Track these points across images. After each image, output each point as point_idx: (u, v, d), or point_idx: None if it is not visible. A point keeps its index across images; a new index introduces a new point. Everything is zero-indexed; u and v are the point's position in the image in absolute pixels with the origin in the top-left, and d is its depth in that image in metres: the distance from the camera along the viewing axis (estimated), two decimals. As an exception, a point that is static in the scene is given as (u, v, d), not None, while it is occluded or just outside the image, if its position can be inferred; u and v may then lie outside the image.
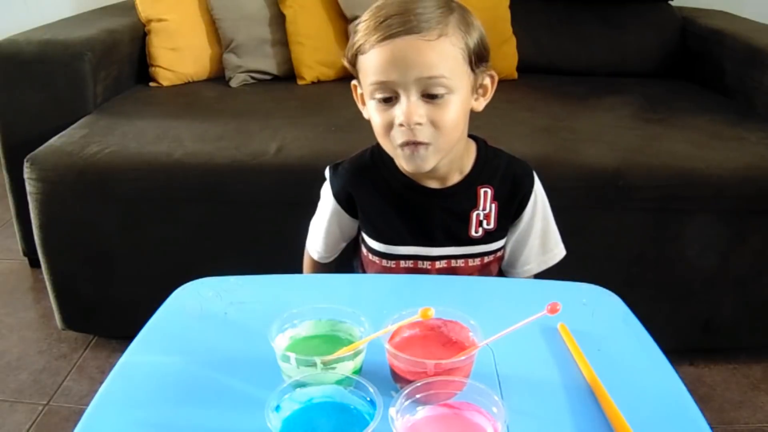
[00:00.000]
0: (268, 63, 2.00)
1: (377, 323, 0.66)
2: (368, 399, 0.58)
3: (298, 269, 1.14)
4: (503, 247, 1.01)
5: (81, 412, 0.61)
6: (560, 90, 1.92)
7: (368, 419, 0.56)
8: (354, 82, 0.95)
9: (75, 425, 0.60)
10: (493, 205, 0.96)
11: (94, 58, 1.69)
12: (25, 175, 1.43)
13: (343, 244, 1.07)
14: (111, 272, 1.51)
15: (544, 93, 1.90)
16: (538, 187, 1.00)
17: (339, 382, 0.60)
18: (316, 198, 1.05)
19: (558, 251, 1.03)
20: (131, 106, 1.77)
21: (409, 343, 0.68)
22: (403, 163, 0.89)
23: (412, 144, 0.85)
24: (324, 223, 1.03)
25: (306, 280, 0.91)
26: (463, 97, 0.87)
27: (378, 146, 0.94)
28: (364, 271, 1.06)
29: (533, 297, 0.72)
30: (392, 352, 0.63)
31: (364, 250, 1.03)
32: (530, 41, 2.07)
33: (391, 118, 0.85)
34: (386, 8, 0.84)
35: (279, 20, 1.98)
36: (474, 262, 0.98)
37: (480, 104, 0.92)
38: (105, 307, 1.55)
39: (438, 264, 0.97)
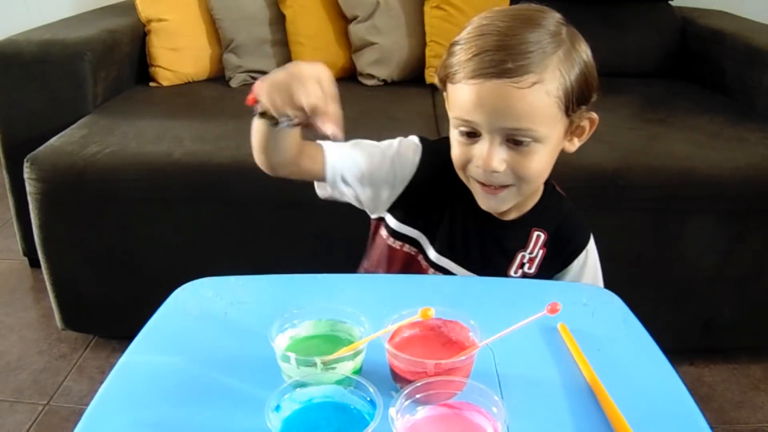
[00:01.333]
0: (268, 63, 2.00)
1: (377, 323, 0.66)
2: (368, 399, 0.58)
3: (299, 269, 1.14)
4: None
5: (81, 412, 0.61)
6: (560, 90, 1.92)
7: (368, 419, 0.56)
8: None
9: (75, 425, 0.60)
10: (541, 251, 0.92)
11: (94, 58, 1.69)
12: (25, 175, 1.43)
13: (347, 189, 0.91)
14: (111, 272, 1.51)
15: (544, 93, 1.90)
16: (591, 246, 0.96)
17: (339, 382, 0.60)
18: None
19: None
20: (131, 106, 1.77)
21: (409, 343, 0.68)
22: (477, 197, 0.86)
23: (488, 186, 0.82)
24: (379, 150, 0.90)
25: (306, 280, 0.91)
26: (552, 145, 0.82)
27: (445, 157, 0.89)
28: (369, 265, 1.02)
29: (533, 297, 0.72)
30: (392, 352, 0.63)
31: (383, 230, 0.96)
32: (530, 41, 2.07)
33: (470, 155, 0.81)
34: (485, 37, 0.78)
35: (279, 20, 1.98)
36: None
37: (573, 146, 0.88)
38: (105, 307, 1.55)
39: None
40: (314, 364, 0.62)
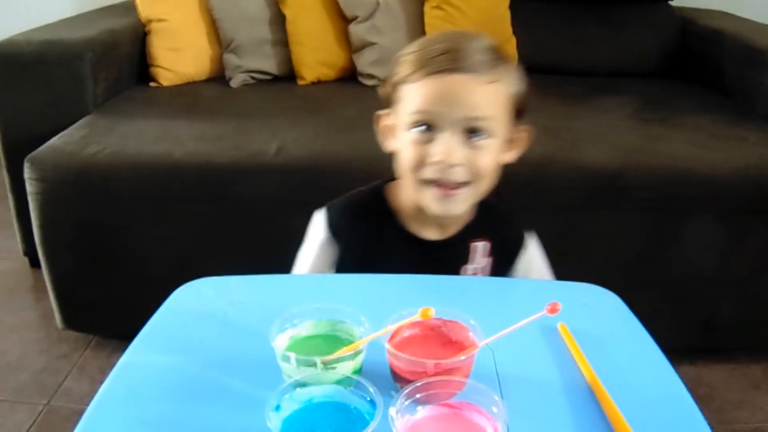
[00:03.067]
0: (268, 63, 2.00)
1: (377, 323, 0.66)
2: (368, 399, 0.58)
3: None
4: None
5: (81, 412, 0.61)
6: (560, 90, 1.92)
7: (368, 419, 0.56)
8: (380, 111, 0.91)
9: (75, 425, 0.60)
10: (488, 260, 0.93)
11: (94, 58, 1.69)
12: (25, 175, 1.43)
13: None
14: (111, 272, 1.51)
15: (544, 93, 1.90)
16: (533, 247, 0.97)
17: (339, 382, 0.60)
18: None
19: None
20: (131, 106, 1.77)
21: (409, 343, 0.68)
22: (429, 203, 0.85)
23: (444, 187, 0.83)
24: (310, 261, 0.96)
25: (306, 280, 0.91)
26: (499, 145, 0.85)
27: (379, 189, 0.93)
28: None
29: (533, 297, 0.72)
30: (392, 352, 0.63)
31: None
32: (530, 41, 2.07)
33: (426, 153, 0.82)
34: (438, 43, 0.83)
35: (279, 20, 1.98)
36: None
37: (509, 156, 0.90)
38: (105, 307, 1.55)
39: None
40: (314, 364, 0.62)
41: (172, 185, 1.42)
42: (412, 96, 0.83)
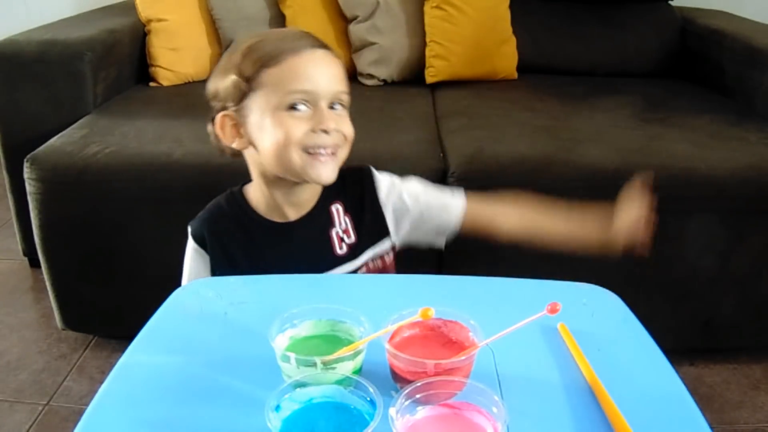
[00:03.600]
0: (268, 63, 2.00)
1: (377, 323, 0.66)
2: (368, 399, 0.58)
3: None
4: (377, 258, 1.00)
5: (81, 412, 0.61)
6: (560, 90, 1.92)
7: (368, 419, 0.56)
8: (225, 112, 0.93)
9: (75, 425, 0.60)
10: (347, 219, 0.97)
11: (94, 58, 1.69)
12: (25, 175, 1.43)
13: None
14: (111, 272, 1.51)
15: (544, 93, 1.90)
16: (382, 178, 1.00)
17: (339, 382, 0.60)
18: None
19: (456, 199, 1.02)
20: (131, 106, 1.77)
21: (409, 343, 0.68)
22: (313, 171, 0.89)
23: (327, 154, 0.88)
24: (192, 274, 1.00)
25: (306, 280, 0.91)
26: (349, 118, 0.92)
27: (236, 192, 0.98)
28: None
29: (533, 297, 0.72)
30: (392, 352, 0.63)
31: None
32: (530, 41, 2.07)
33: (304, 126, 0.86)
34: (278, 34, 0.92)
35: (279, 20, 1.98)
36: None
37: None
38: (105, 307, 1.55)
39: None
40: (314, 364, 0.62)
41: (172, 185, 1.42)
42: (285, 75, 0.86)
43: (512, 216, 1.03)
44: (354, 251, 0.97)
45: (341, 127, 0.89)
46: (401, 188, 1.01)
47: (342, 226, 0.97)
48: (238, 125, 0.92)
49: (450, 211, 1.01)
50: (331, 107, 0.89)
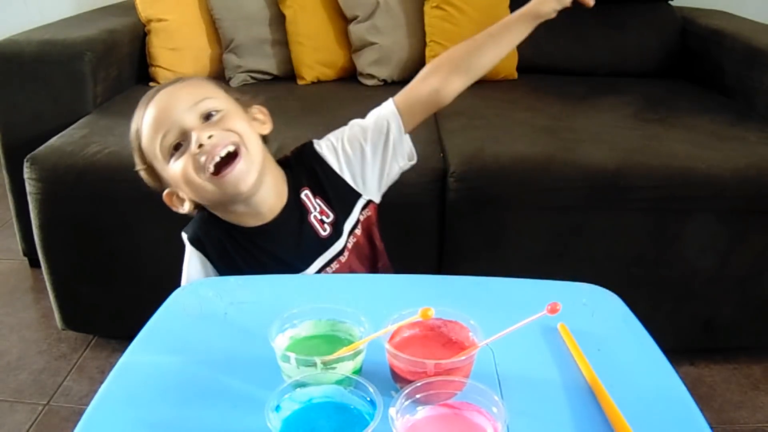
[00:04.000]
0: (268, 63, 2.00)
1: (377, 323, 0.66)
2: (368, 399, 0.58)
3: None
4: (358, 223, 1.00)
5: (81, 412, 0.61)
6: (560, 90, 1.92)
7: (368, 419, 0.56)
8: (165, 192, 0.95)
9: (75, 425, 0.60)
10: (318, 200, 0.98)
11: (94, 58, 1.69)
12: (25, 175, 1.43)
13: None
14: (111, 272, 1.51)
15: (544, 93, 1.90)
16: (323, 145, 1.00)
17: (339, 382, 0.60)
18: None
19: (384, 106, 1.02)
20: (131, 106, 1.75)
21: (409, 343, 0.68)
22: (229, 191, 0.88)
23: (222, 166, 0.87)
24: (192, 279, 1.00)
25: (306, 280, 0.91)
26: (241, 117, 0.91)
27: (202, 215, 0.97)
28: None
29: (533, 297, 0.72)
30: (392, 352, 0.63)
31: None
32: (530, 41, 2.05)
33: (189, 155, 0.87)
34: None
35: (279, 20, 1.98)
36: (344, 257, 0.98)
37: (265, 129, 0.97)
38: (105, 307, 1.55)
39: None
40: (314, 364, 0.62)
41: (172, 185, 1.41)
42: (148, 139, 0.90)
43: (442, 69, 1.02)
44: (336, 228, 0.98)
45: (223, 126, 0.88)
46: (341, 143, 1.00)
47: (317, 209, 0.97)
48: (175, 193, 0.95)
49: (386, 118, 1.00)
50: (206, 117, 0.88)
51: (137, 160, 0.95)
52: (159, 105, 0.90)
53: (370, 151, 0.99)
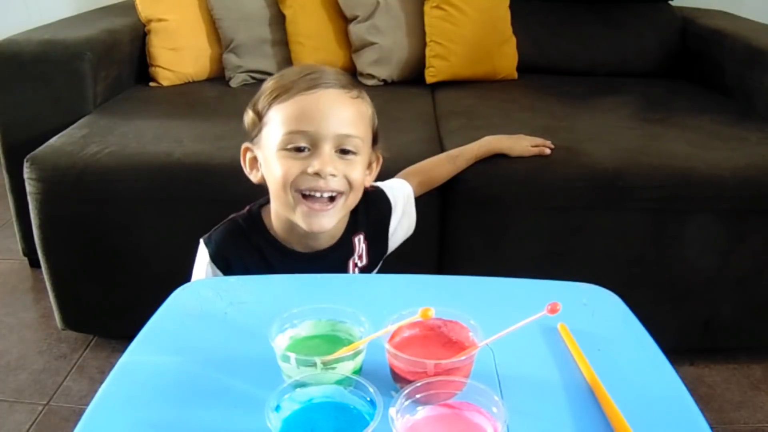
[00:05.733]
0: (268, 63, 2.00)
1: (377, 323, 0.66)
2: (368, 399, 0.58)
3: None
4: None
5: (81, 412, 0.61)
6: (560, 90, 1.92)
7: (368, 419, 0.56)
8: (246, 144, 0.94)
9: (75, 425, 0.60)
10: (364, 246, 0.99)
11: (94, 58, 1.69)
12: (25, 175, 1.43)
13: None
14: (111, 272, 1.51)
15: (544, 93, 1.90)
16: (395, 205, 1.04)
17: (339, 382, 0.60)
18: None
19: (409, 201, 1.10)
20: (131, 106, 1.77)
21: (409, 343, 0.68)
22: (300, 220, 0.88)
23: (315, 202, 0.86)
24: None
25: (306, 280, 0.91)
26: (364, 164, 0.90)
27: (256, 212, 0.96)
28: None
29: (533, 297, 0.72)
30: (392, 352, 0.63)
31: None
32: (530, 41, 2.07)
33: (301, 166, 0.85)
34: (299, 69, 0.88)
35: (279, 20, 1.98)
36: None
37: (368, 180, 0.95)
38: (105, 307, 1.55)
39: None
40: (314, 364, 0.62)
41: (172, 185, 1.42)
42: (286, 114, 0.85)
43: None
44: (363, 272, 0.99)
45: (347, 172, 0.86)
46: (404, 204, 1.04)
47: (358, 252, 0.97)
48: (256, 158, 0.92)
49: (408, 204, 1.09)
50: (342, 151, 0.86)
51: (256, 107, 0.90)
52: (323, 103, 0.85)
53: (405, 224, 1.07)
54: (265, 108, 0.87)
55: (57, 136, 1.52)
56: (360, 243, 0.97)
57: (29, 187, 1.44)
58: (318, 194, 0.86)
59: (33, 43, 1.66)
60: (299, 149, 0.85)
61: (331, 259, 0.95)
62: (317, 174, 0.84)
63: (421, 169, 1.19)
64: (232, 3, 1.96)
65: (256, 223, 0.95)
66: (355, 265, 0.98)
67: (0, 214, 2.23)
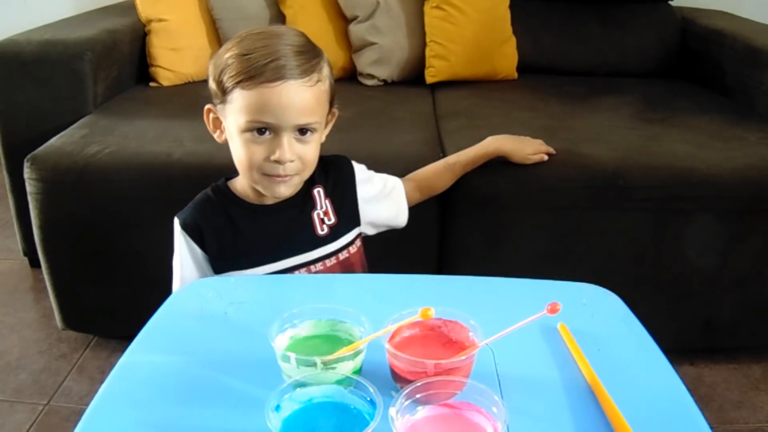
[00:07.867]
0: (268, 63, 2.00)
1: (377, 323, 0.66)
2: (368, 399, 0.58)
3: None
4: (353, 242, 1.06)
5: (81, 412, 0.61)
6: (560, 90, 1.92)
7: (368, 419, 0.56)
8: (209, 106, 0.98)
9: (75, 425, 0.60)
10: (327, 202, 1.03)
11: (94, 58, 1.69)
12: (25, 175, 1.43)
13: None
14: (111, 272, 1.51)
15: (544, 93, 1.90)
16: (359, 169, 1.08)
17: (339, 382, 0.60)
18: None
19: (396, 190, 1.14)
20: (131, 106, 1.77)
21: (409, 343, 0.68)
22: (263, 190, 0.96)
23: (283, 178, 0.93)
24: (182, 266, 1.03)
25: (306, 280, 0.91)
26: (320, 137, 0.97)
27: (221, 184, 1.02)
28: None
29: (533, 297, 0.72)
30: (392, 352, 0.63)
31: None
32: (530, 41, 2.07)
33: (263, 153, 0.91)
34: (258, 47, 0.88)
35: (279, 20, 1.98)
36: (330, 262, 1.02)
37: (323, 137, 1.00)
38: (105, 307, 1.55)
39: (298, 273, 1.01)
40: (314, 364, 0.62)
41: (172, 185, 1.41)
42: (247, 103, 0.89)
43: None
44: (334, 233, 1.02)
45: (303, 153, 0.92)
46: (372, 180, 1.09)
47: (323, 208, 1.02)
48: (219, 119, 0.98)
49: (395, 192, 1.13)
50: (300, 131, 0.92)
51: (221, 79, 0.92)
52: (284, 97, 0.88)
53: (385, 206, 1.11)
54: (230, 87, 0.90)
55: (57, 136, 1.52)
56: (321, 197, 1.02)
57: (29, 187, 1.44)
58: (278, 179, 0.94)
59: (33, 43, 1.65)
60: (261, 131, 0.91)
61: (293, 211, 1.00)
62: (277, 162, 0.91)
63: (417, 175, 1.23)
64: (232, 3, 1.96)
65: (221, 188, 1.02)
66: (322, 221, 1.02)
67: (0, 214, 2.23)
